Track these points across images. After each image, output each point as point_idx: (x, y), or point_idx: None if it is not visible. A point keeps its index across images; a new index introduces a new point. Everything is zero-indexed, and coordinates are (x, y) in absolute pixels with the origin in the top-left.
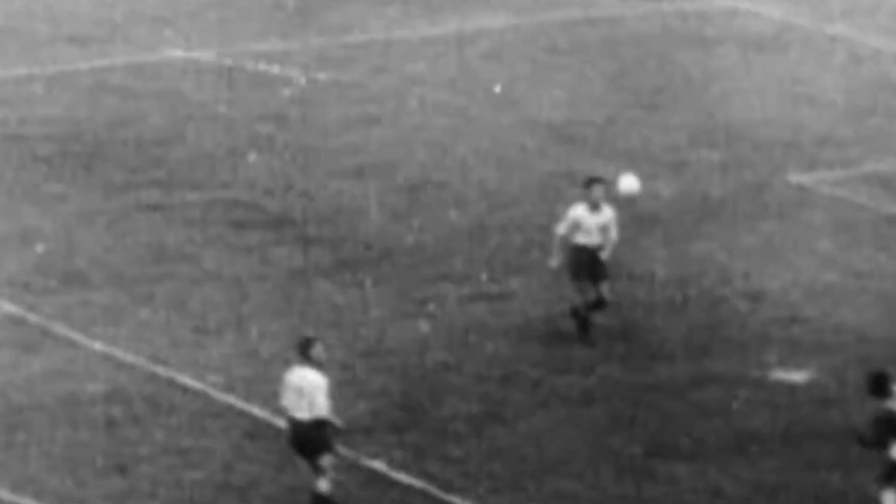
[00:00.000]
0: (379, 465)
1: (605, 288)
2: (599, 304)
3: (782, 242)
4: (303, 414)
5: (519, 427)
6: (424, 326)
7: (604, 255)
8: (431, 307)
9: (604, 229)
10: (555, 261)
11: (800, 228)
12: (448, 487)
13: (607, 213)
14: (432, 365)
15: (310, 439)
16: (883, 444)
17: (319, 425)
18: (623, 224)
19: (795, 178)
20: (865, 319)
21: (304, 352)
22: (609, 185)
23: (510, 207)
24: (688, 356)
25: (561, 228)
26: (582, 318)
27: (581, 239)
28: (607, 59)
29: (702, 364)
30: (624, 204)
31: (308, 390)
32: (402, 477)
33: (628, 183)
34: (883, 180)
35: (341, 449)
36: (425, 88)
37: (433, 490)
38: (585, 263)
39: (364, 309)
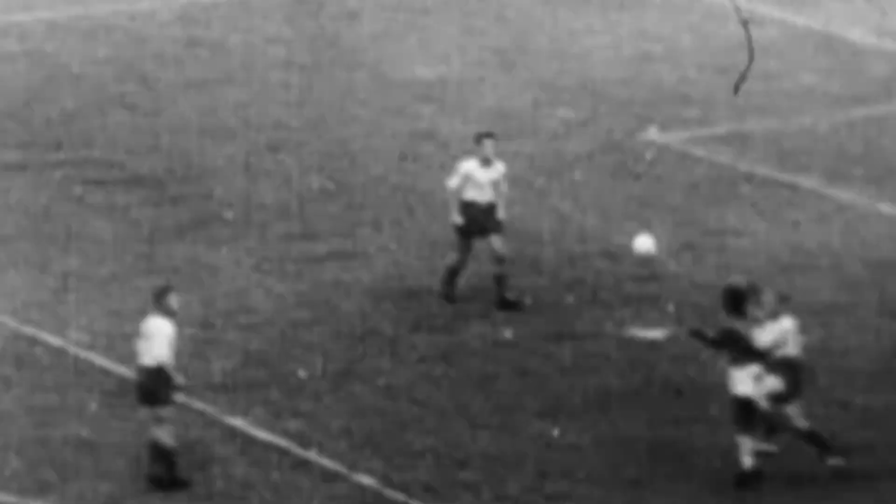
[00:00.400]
0: (239, 422)
1: (497, 242)
2: (498, 261)
3: (640, 200)
4: (145, 360)
5: (376, 384)
6: (284, 286)
7: (500, 214)
8: (290, 266)
9: (495, 184)
10: (457, 217)
11: (658, 186)
12: (307, 444)
13: (498, 168)
14: (291, 323)
15: (148, 386)
16: (715, 347)
17: (159, 373)
18: None
19: (654, 136)
20: (723, 277)
21: (157, 300)
22: (497, 140)
23: (368, 166)
24: (546, 313)
25: (453, 182)
26: (448, 281)
27: (472, 194)
28: (465, 17)
29: (560, 321)
30: (640, 262)
31: (152, 336)
32: (262, 434)
33: (643, 243)
34: (741, 139)
35: (202, 406)
36: (280, 47)
37: (292, 447)
38: (476, 220)
39: (224, 268)
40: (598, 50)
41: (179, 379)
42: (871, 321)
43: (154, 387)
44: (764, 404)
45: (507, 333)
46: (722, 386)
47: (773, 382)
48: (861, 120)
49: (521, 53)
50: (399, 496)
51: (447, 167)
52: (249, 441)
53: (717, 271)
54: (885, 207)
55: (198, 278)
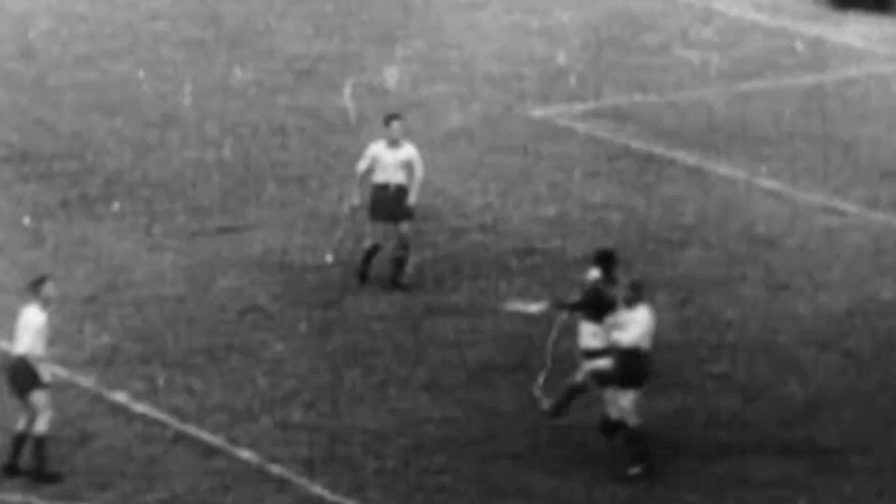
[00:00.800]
0: (121, 397)
1: (405, 227)
2: (402, 246)
3: (519, 175)
4: (17, 349)
5: (256, 359)
6: (167, 261)
7: (410, 198)
8: (173, 241)
9: (405, 166)
10: (355, 199)
11: (536, 161)
12: (188, 419)
13: (408, 150)
14: (173, 297)
15: (18, 376)
16: (576, 309)
17: (25, 363)
18: (356, 156)
19: (532, 111)
20: None
21: (34, 289)
22: (404, 120)
23: (247, 141)
24: (424, 287)
25: (361, 165)
26: (365, 260)
27: (380, 176)
28: None
29: (438, 295)
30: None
31: (24, 326)
32: (144, 409)
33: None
34: (618, 113)
35: (83, 381)
36: (164, 23)
37: (174, 422)
38: (384, 202)
39: (108, 243)
40: (476, 25)
41: (46, 376)
42: (750, 295)
43: (25, 376)
44: (580, 378)
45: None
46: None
47: (603, 363)
48: (740, 95)
49: (400, 29)
50: (278, 470)
51: (327, 143)
52: (131, 416)
53: (596, 246)
54: (764, 182)
55: (82, 253)
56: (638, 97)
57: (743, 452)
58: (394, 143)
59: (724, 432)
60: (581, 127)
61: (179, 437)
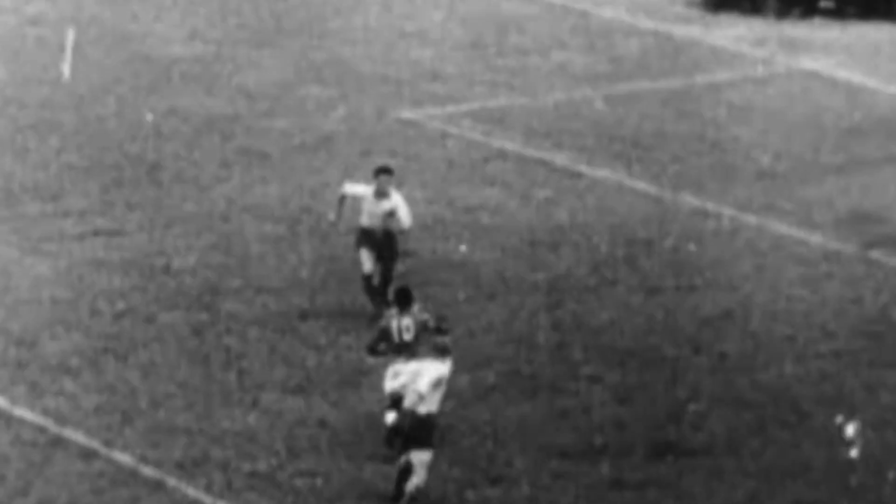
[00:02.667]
0: None
1: (390, 269)
2: (385, 282)
3: (392, 178)
4: None
5: (132, 361)
6: (44, 264)
7: (400, 244)
8: (49, 244)
9: (391, 215)
10: (332, 215)
11: (409, 163)
12: (64, 422)
13: (394, 201)
14: (49, 301)
15: None
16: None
17: None
18: (233, 158)
19: (404, 113)
20: (474, 253)
21: None
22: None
23: (126, 143)
24: (297, 291)
25: (346, 188)
26: (367, 290)
27: (365, 220)
28: None
29: (312, 298)
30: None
31: None
32: (22, 412)
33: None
34: (491, 115)
35: None
36: (44, 28)
37: (51, 425)
38: (370, 243)
39: None
40: (349, 28)
41: None
42: (624, 298)
43: None
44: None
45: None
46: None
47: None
48: (614, 97)
49: (274, 32)
50: (153, 473)
51: (202, 144)
52: (9, 419)
53: (471, 248)
54: (638, 184)
55: None
56: (511, 99)
57: (615, 454)
58: (381, 195)
59: (597, 434)
60: (454, 129)
61: (57, 441)
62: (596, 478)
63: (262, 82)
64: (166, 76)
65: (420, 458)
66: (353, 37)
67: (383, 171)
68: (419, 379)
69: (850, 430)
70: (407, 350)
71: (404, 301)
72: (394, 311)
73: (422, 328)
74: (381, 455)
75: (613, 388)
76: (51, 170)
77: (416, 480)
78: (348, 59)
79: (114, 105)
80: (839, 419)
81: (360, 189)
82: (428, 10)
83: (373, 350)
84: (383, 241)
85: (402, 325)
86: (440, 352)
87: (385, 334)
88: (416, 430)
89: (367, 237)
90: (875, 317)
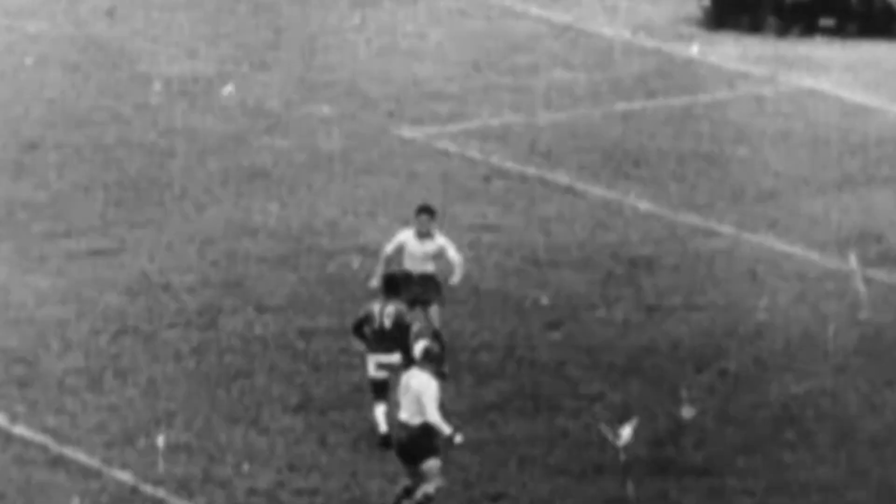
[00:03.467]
0: None
1: (434, 314)
2: (433, 333)
3: (392, 197)
4: None
5: (132, 380)
6: (45, 283)
7: (454, 279)
8: (50, 263)
9: (435, 258)
10: (374, 281)
11: (410, 183)
12: (64, 440)
13: (438, 242)
14: (50, 319)
15: None
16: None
17: None
18: (233, 177)
19: (405, 132)
20: (475, 272)
21: None
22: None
23: (126, 162)
24: (297, 309)
25: (387, 249)
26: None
27: (408, 264)
28: (220, 14)
29: (311, 317)
30: None
31: None
32: (22, 431)
33: None
34: (493, 134)
35: None
36: (43, 46)
37: (51, 443)
38: (413, 290)
39: None
40: (350, 46)
41: None
42: (625, 316)
43: None
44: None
45: (259, 329)
46: (473, 380)
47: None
48: (614, 115)
49: (274, 50)
50: (154, 492)
51: (202, 163)
52: (9, 437)
53: (471, 267)
54: (638, 202)
55: None
56: (511, 118)
57: (616, 472)
58: (423, 235)
59: (597, 452)
60: (454, 148)
61: (57, 459)
62: (597, 496)
63: (263, 101)
64: (166, 94)
65: (430, 466)
66: (354, 55)
67: (424, 210)
68: (425, 407)
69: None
70: (386, 339)
71: (391, 289)
72: (380, 298)
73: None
74: (381, 473)
75: (614, 407)
76: (51, 188)
77: (426, 488)
78: (349, 78)
79: (114, 123)
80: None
81: (398, 236)
82: (429, 29)
83: (356, 330)
84: (423, 285)
85: (385, 311)
86: (429, 360)
87: (368, 318)
88: (419, 441)
89: (409, 287)
90: (875, 335)
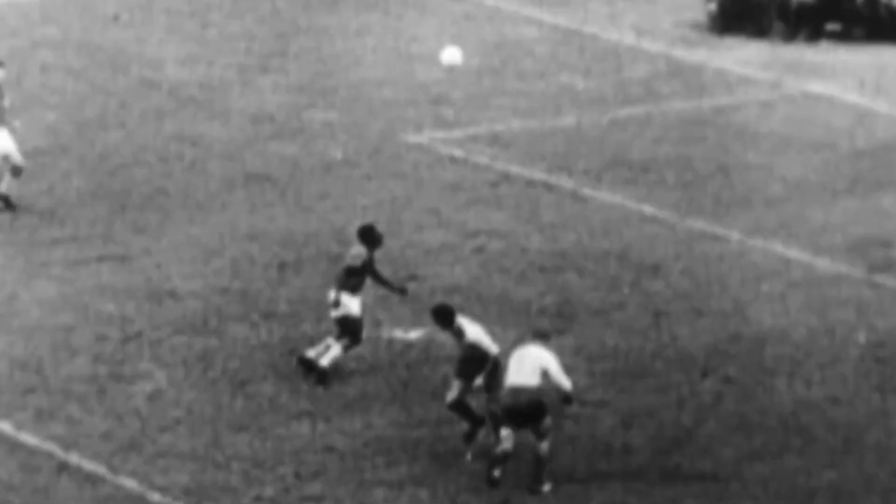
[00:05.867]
0: (5, 426)
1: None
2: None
3: (399, 202)
4: None
5: (138, 387)
6: (51, 289)
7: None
8: (56, 269)
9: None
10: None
11: (416, 188)
12: (70, 447)
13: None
14: (56, 326)
15: None
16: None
17: None
18: (238, 183)
19: (412, 137)
20: (481, 278)
21: None
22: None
23: (132, 168)
24: (304, 315)
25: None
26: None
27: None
28: (226, 20)
29: (317, 323)
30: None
31: None
32: (28, 438)
33: (450, 54)
34: (499, 139)
35: None
36: (50, 51)
37: (57, 451)
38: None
39: None
40: (357, 52)
41: None
42: (631, 322)
43: None
44: None
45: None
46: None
47: None
48: (620, 120)
49: (281, 56)
50: (160, 499)
51: (208, 170)
52: (15, 445)
53: (475, 272)
54: (645, 208)
55: None
56: (517, 123)
57: (622, 479)
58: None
59: (604, 459)
60: (460, 153)
61: (63, 467)
62: (603, 503)
63: (269, 107)
64: (172, 100)
65: (547, 424)
66: (359, 60)
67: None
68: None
69: None
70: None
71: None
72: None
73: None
74: (387, 481)
75: (620, 413)
76: (57, 194)
77: (544, 445)
78: (354, 83)
79: (119, 129)
80: None
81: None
82: (435, 35)
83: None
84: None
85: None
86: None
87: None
88: (538, 402)
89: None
90: (882, 341)
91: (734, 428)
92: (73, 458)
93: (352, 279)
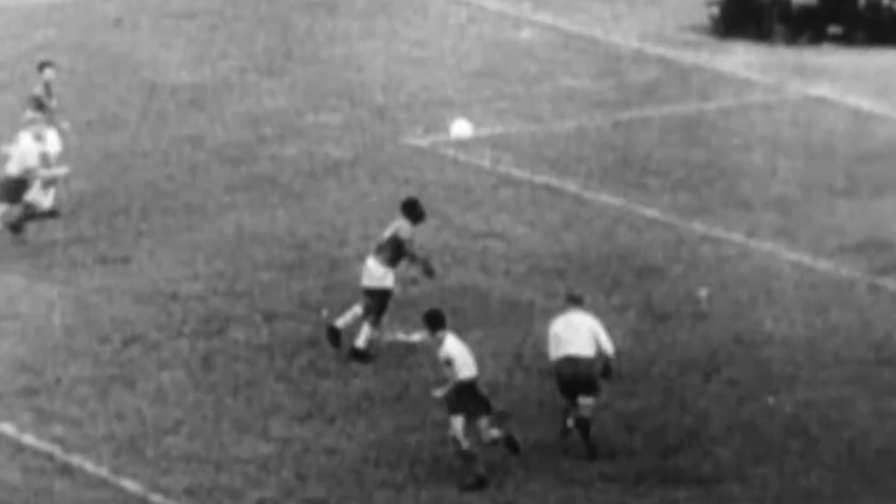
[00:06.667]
0: (7, 428)
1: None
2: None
3: (400, 205)
4: None
5: (140, 389)
6: (53, 291)
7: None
8: (58, 271)
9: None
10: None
11: (418, 190)
12: (72, 449)
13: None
14: (58, 328)
15: None
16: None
17: None
18: (240, 185)
19: (413, 140)
20: (483, 280)
21: None
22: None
23: (134, 171)
24: (305, 317)
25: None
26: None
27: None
28: (228, 23)
29: (319, 325)
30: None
31: None
32: (30, 440)
33: (460, 127)
34: (501, 142)
35: None
36: (51, 54)
37: (58, 452)
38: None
39: None
40: (359, 55)
41: None
42: (633, 325)
43: None
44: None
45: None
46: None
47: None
48: (623, 123)
49: (283, 59)
50: (162, 501)
51: (210, 172)
52: (17, 446)
53: (478, 274)
54: (647, 210)
55: None
56: (519, 126)
57: (624, 481)
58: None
59: (606, 462)
60: (463, 156)
61: (65, 469)
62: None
63: (271, 109)
64: (174, 103)
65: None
66: (362, 63)
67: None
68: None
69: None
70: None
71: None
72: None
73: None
74: (390, 482)
75: (623, 415)
76: (59, 196)
77: (586, 411)
78: (357, 86)
79: (122, 132)
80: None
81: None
82: (437, 37)
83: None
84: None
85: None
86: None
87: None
88: (594, 370)
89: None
90: (884, 343)
91: (736, 430)
92: (75, 460)
93: (390, 251)
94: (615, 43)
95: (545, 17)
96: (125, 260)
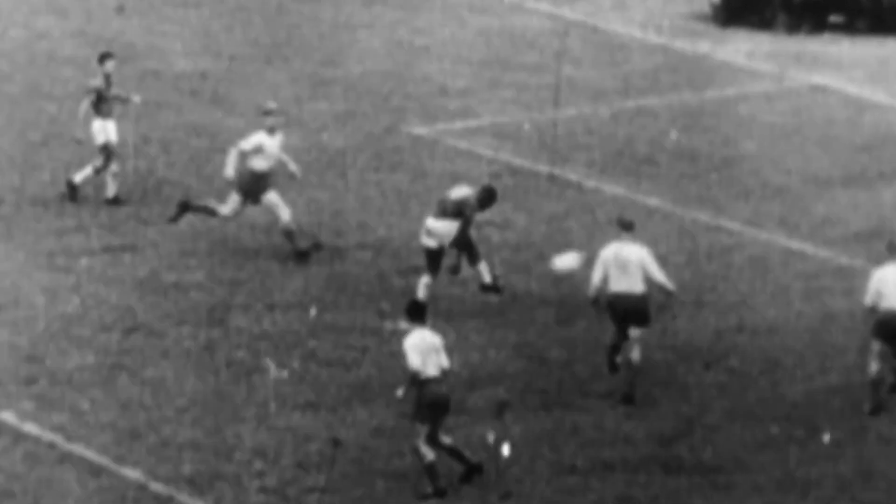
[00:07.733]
0: (8, 416)
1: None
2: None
3: (402, 194)
4: None
5: (142, 377)
6: (54, 279)
7: (292, 168)
8: (60, 259)
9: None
10: (229, 171)
11: (420, 180)
12: (73, 438)
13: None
14: (59, 316)
15: None
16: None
17: None
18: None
19: (414, 129)
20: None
21: None
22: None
23: (133, 159)
24: (307, 307)
25: (244, 145)
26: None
27: (259, 164)
28: (230, 11)
29: (320, 314)
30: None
31: None
32: (31, 428)
33: (566, 261)
34: (503, 131)
35: None
36: (53, 42)
37: (60, 441)
38: (259, 187)
39: None
40: (360, 43)
41: None
42: None
43: None
44: None
45: (268, 326)
46: (483, 378)
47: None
48: (624, 112)
49: (284, 47)
50: (163, 489)
51: (211, 161)
52: (18, 435)
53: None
54: (648, 199)
55: None
56: (521, 115)
57: (625, 470)
58: (272, 132)
59: (607, 450)
60: (464, 145)
61: (66, 457)
62: (606, 494)
63: (273, 98)
64: (176, 92)
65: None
66: (363, 52)
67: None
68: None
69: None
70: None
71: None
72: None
73: None
74: (391, 472)
75: (622, 404)
76: (60, 185)
77: (636, 354)
78: (359, 75)
79: (123, 120)
80: None
81: (254, 137)
82: (438, 26)
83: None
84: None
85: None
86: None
87: None
88: (646, 306)
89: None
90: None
91: (737, 419)
92: (77, 449)
93: (452, 214)
94: (617, 31)
95: (548, 6)
96: (126, 248)
